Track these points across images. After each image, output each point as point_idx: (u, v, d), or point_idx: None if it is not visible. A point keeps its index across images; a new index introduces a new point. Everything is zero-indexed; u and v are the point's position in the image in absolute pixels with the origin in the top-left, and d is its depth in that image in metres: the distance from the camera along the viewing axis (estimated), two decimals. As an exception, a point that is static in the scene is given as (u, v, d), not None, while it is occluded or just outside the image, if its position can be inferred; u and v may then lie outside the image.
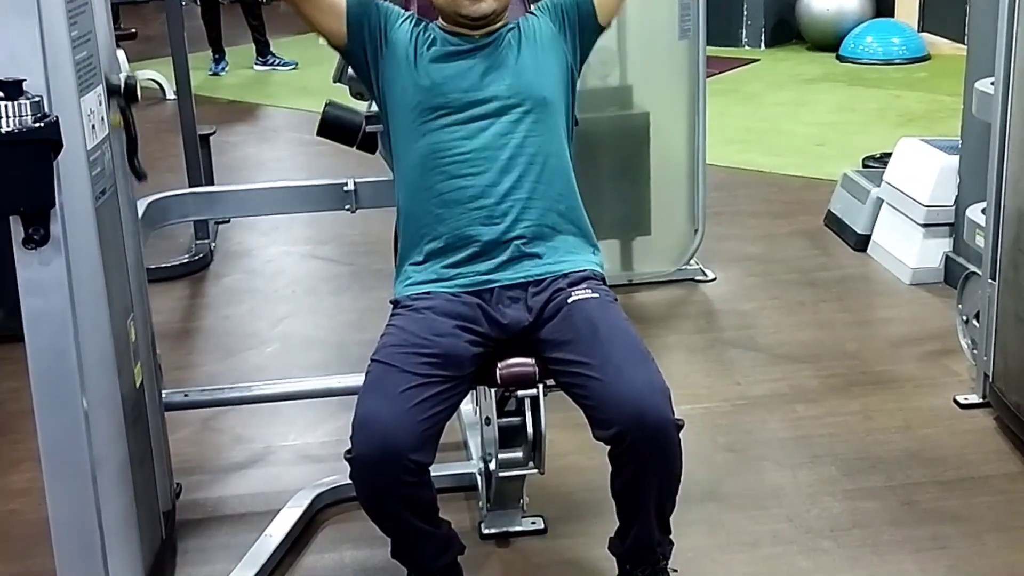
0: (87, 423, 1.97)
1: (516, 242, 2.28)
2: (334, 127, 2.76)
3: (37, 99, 1.81)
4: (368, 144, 2.75)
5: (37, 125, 1.80)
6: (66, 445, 1.96)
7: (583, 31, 2.39)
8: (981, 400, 3.16)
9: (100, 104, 2.15)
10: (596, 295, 2.26)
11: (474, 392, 2.46)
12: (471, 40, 2.34)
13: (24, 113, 1.79)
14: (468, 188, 2.27)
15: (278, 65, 8.85)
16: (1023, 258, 2.85)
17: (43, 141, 1.81)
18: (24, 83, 1.80)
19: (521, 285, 2.28)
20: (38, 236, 1.85)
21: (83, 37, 2.03)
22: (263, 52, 8.92)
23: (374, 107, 2.62)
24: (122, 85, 2.26)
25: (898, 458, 2.93)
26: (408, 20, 2.37)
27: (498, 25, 2.37)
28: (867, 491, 2.78)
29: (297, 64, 8.77)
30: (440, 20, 2.39)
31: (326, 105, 2.78)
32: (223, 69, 8.76)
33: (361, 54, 2.35)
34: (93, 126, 2.08)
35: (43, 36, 1.86)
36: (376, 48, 2.34)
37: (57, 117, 1.84)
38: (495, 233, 2.27)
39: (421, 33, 2.35)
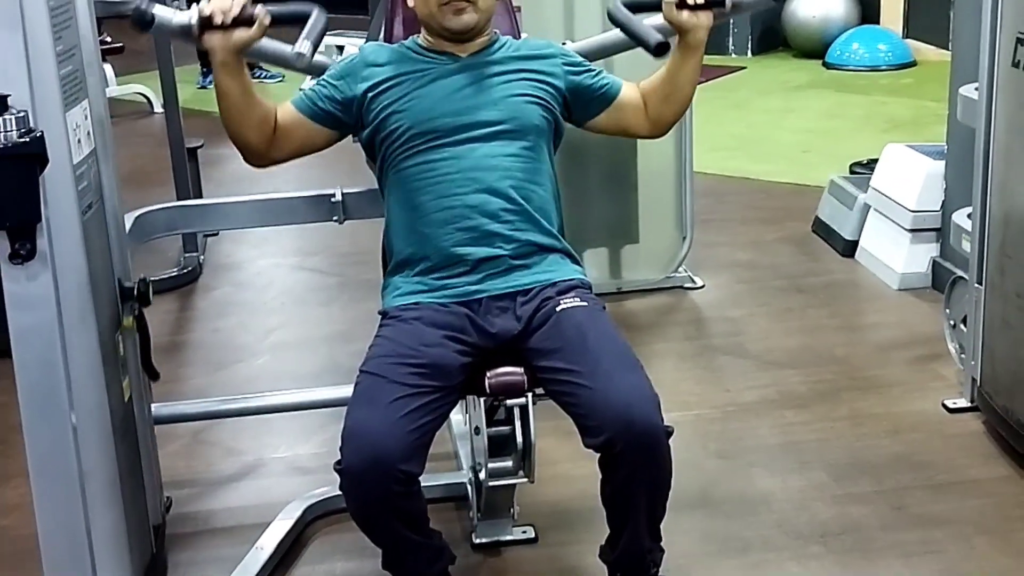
0: (75, 437, 1.97)
1: (504, 259, 2.29)
2: None
3: (22, 114, 1.81)
4: None
5: (22, 140, 1.80)
6: (54, 459, 1.96)
7: (584, 104, 2.43)
8: (969, 404, 3.17)
9: (86, 119, 2.15)
10: (585, 303, 2.27)
11: (463, 402, 2.46)
12: (456, 59, 2.35)
13: (9, 128, 1.79)
14: (455, 208, 2.28)
15: (265, 78, 8.85)
16: (1009, 263, 2.86)
17: (29, 156, 1.81)
18: (9, 98, 1.80)
19: (510, 295, 2.28)
20: (24, 251, 1.85)
21: (68, 51, 2.03)
22: (251, 66, 8.91)
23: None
24: (135, 289, 2.31)
25: (887, 463, 2.94)
26: (374, 56, 2.38)
27: (483, 39, 2.38)
28: (857, 496, 2.79)
29: (283, 77, 8.77)
30: (424, 34, 2.40)
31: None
32: (211, 82, 8.74)
33: (354, 124, 2.38)
34: (79, 140, 2.08)
35: (28, 50, 1.86)
36: (358, 112, 2.36)
37: (42, 132, 1.84)
38: (484, 253, 2.28)
39: (399, 63, 2.36)
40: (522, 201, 2.31)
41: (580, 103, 2.42)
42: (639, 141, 4.02)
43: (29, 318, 1.90)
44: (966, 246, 3.13)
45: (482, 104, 2.32)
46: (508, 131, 2.32)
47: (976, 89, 3.01)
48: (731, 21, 8.99)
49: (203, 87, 8.71)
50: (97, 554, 2.06)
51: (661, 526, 2.25)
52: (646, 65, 2.44)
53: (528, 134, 2.34)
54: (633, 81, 2.47)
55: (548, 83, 2.38)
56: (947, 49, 5.83)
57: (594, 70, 2.45)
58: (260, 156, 2.34)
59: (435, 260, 2.31)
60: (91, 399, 2.13)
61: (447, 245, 2.29)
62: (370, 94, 2.34)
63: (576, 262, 2.41)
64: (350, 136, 2.45)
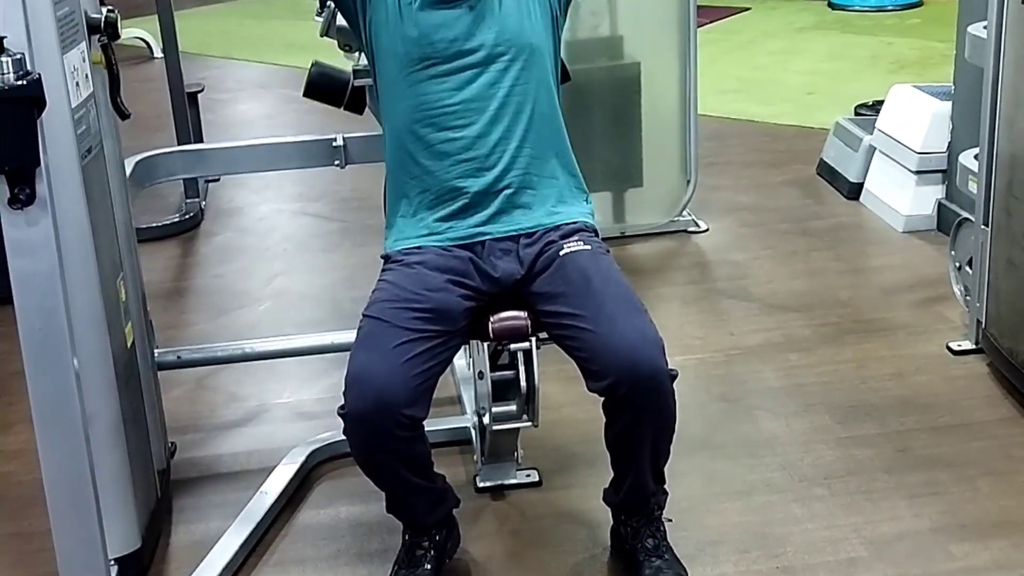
0: (78, 382, 1.96)
1: (506, 191, 2.26)
2: (320, 88, 2.73)
3: (19, 56, 1.78)
4: (355, 104, 2.73)
5: (19, 83, 1.77)
6: (58, 405, 1.96)
7: None
8: (974, 346, 3.17)
9: (84, 61, 2.12)
10: (588, 247, 2.25)
11: (467, 346, 2.45)
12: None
13: (6, 70, 1.76)
14: (457, 139, 2.25)
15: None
16: (1016, 204, 2.84)
17: (26, 99, 1.79)
18: (5, 40, 1.77)
19: (512, 237, 2.26)
20: (24, 196, 1.83)
21: (64, -8, 2.00)
22: None
23: (362, 61, 2.59)
24: (103, 20, 2.22)
25: (891, 405, 2.94)
26: None
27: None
28: (860, 439, 2.79)
29: None
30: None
31: (312, 66, 2.75)
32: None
33: (351, 2, 2.32)
34: (77, 83, 2.06)
35: (23, -9, 1.83)
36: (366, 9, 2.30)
37: (40, 74, 1.81)
38: (484, 183, 2.25)
39: None
40: (522, 129, 2.26)
41: None
42: (643, 83, 4.00)
43: (30, 264, 1.88)
44: (972, 187, 3.11)
45: (481, 29, 2.26)
46: (505, 54, 2.25)
47: (984, 28, 2.98)
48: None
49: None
50: (102, 499, 2.06)
51: (665, 469, 2.26)
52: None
53: (528, 57, 2.27)
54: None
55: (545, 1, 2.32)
56: (954, -12, 5.76)
57: None
58: None
59: (435, 192, 2.27)
60: (93, 344, 2.13)
61: (447, 176, 2.26)
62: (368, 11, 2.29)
63: (583, 191, 2.37)
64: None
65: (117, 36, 2.25)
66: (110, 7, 2.25)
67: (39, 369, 1.95)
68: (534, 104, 2.28)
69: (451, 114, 2.25)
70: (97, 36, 2.23)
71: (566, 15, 2.39)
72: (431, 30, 2.25)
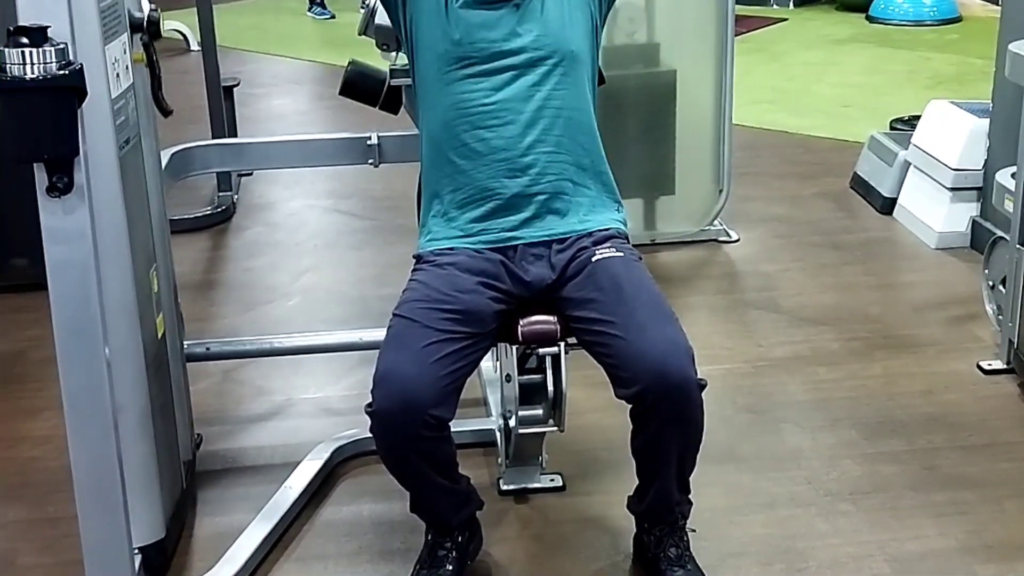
0: (109, 372, 1.98)
1: (539, 197, 2.26)
2: (357, 87, 2.74)
3: (62, 46, 1.80)
4: (391, 104, 2.73)
5: (62, 72, 1.79)
6: (88, 393, 1.97)
7: None
8: (1005, 366, 3.14)
9: (125, 52, 2.14)
10: (620, 254, 2.25)
11: (495, 349, 2.45)
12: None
13: (49, 60, 1.77)
14: (492, 140, 2.25)
15: (317, 14, 8.85)
16: (1052, 224, 2.82)
17: (68, 88, 1.80)
18: (49, 30, 1.79)
19: (545, 243, 2.26)
20: (62, 184, 1.85)
21: (108, -16, 2.01)
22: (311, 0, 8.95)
23: (399, 60, 2.60)
24: (145, 19, 2.24)
25: (919, 422, 2.92)
26: None
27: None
28: (887, 455, 2.77)
29: (335, 15, 8.75)
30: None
31: (348, 64, 2.76)
32: (318, 12, 8.82)
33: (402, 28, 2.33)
34: (117, 74, 2.07)
35: (68, -18, 1.84)
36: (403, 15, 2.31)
37: (82, 64, 1.83)
38: (518, 186, 2.25)
39: None
40: (558, 133, 2.26)
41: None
42: (679, 91, 3.99)
43: (65, 252, 1.90)
44: (1008, 206, 3.09)
45: (521, 31, 2.25)
46: (545, 59, 2.25)
47: (1026, 46, 2.96)
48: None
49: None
50: (129, 487, 2.07)
51: (690, 479, 2.25)
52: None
53: (567, 62, 2.26)
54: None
55: (586, 4, 2.32)
56: (995, 4, 5.73)
57: None
58: None
59: (469, 192, 2.27)
60: (125, 334, 2.15)
61: (482, 177, 2.26)
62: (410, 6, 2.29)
63: (616, 200, 2.36)
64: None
65: (159, 35, 2.28)
66: (153, 6, 2.27)
67: (71, 357, 1.96)
68: (571, 111, 2.27)
69: (486, 114, 2.25)
70: (139, 35, 2.24)
71: (605, 22, 2.38)
72: (473, 29, 2.25)
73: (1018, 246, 3.00)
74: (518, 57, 2.25)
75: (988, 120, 3.96)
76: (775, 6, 9.01)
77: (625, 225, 2.36)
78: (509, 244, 2.25)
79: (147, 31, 2.26)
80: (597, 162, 2.34)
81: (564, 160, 2.27)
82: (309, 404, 3.13)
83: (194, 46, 7.20)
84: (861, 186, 4.65)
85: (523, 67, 2.25)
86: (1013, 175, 3.07)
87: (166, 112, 2.38)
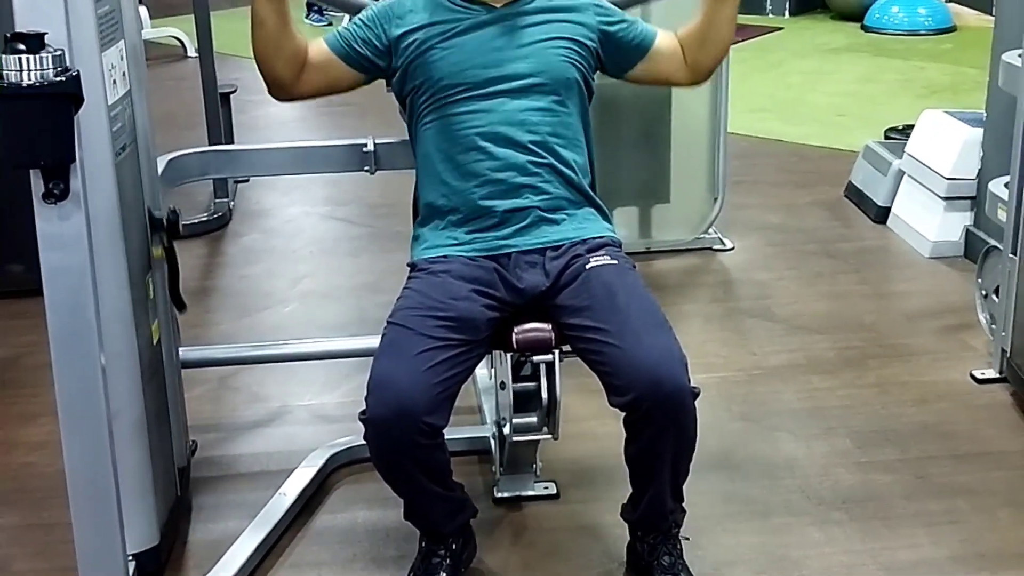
0: (104, 378, 1.97)
1: (534, 210, 2.27)
2: None
3: (59, 52, 1.80)
4: None
5: (58, 79, 1.78)
6: (83, 399, 1.97)
7: (619, 55, 2.40)
8: (998, 375, 3.15)
9: (121, 59, 2.14)
10: (615, 261, 2.26)
11: (490, 356, 2.46)
12: (490, 9, 2.32)
13: (45, 66, 1.77)
14: (485, 161, 2.27)
15: (315, 22, 8.85)
16: (1045, 234, 2.83)
17: (64, 95, 1.80)
18: (46, 36, 1.79)
19: (539, 250, 2.27)
20: (58, 190, 1.85)
21: (105, -9, 2.02)
22: (310, 6, 8.95)
23: None
24: (164, 220, 2.32)
25: (913, 431, 2.93)
26: (411, 2, 2.34)
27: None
28: (881, 464, 2.78)
29: (330, 21, 8.76)
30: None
31: None
32: (314, 19, 8.82)
33: (386, 69, 2.35)
34: (114, 81, 2.08)
35: (65, -11, 1.85)
36: (389, 57, 2.33)
37: (79, 71, 1.83)
38: (512, 205, 2.27)
39: (433, 11, 2.32)
40: (550, 156, 2.29)
41: (614, 54, 2.39)
42: (673, 99, 4.00)
43: (61, 258, 1.90)
44: (1002, 216, 3.09)
45: (514, 57, 2.29)
46: (539, 85, 2.29)
47: (1019, 55, 2.96)
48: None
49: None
50: (123, 493, 2.07)
51: (684, 487, 2.25)
52: (683, 15, 2.40)
53: (559, 88, 2.31)
54: (671, 30, 2.43)
55: (581, 36, 2.34)
56: (989, 14, 5.74)
57: (628, 21, 2.41)
58: (285, 89, 2.33)
59: (464, 212, 2.30)
60: (120, 341, 2.15)
61: (475, 198, 2.28)
62: (403, 41, 2.31)
63: (607, 219, 2.40)
64: (384, 86, 2.43)
65: (178, 235, 2.36)
66: (172, 207, 2.35)
67: (66, 363, 1.96)
68: (564, 135, 2.31)
69: (480, 136, 2.27)
70: (159, 234, 2.32)
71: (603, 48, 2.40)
72: (464, 58, 2.28)
73: (1011, 256, 3.01)
74: (511, 83, 2.28)
75: (982, 130, 3.98)
76: (771, 15, 9.03)
77: (616, 235, 2.37)
78: (503, 252, 2.26)
79: (167, 230, 2.34)
80: (589, 186, 2.37)
81: (557, 182, 2.30)
82: (304, 411, 3.13)
83: (191, 52, 7.20)
84: (855, 195, 4.66)
85: (516, 92, 2.28)
86: (1007, 184, 3.08)
87: (181, 308, 2.47)
